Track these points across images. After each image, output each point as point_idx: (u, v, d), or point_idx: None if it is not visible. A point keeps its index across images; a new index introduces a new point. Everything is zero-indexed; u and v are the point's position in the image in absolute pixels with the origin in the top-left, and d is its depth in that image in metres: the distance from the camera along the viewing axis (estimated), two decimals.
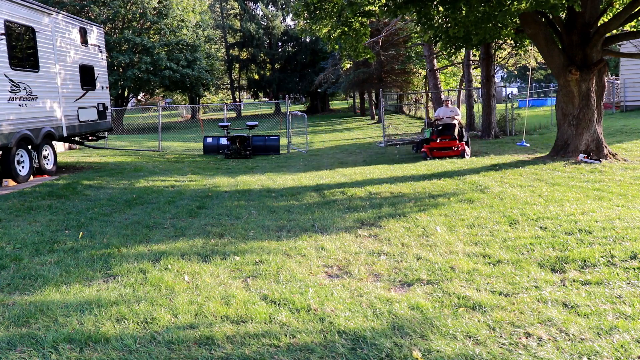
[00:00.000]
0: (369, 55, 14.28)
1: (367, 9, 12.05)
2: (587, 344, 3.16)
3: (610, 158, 10.26)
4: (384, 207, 7.20)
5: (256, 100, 57.26)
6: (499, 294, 3.99)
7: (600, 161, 9.95)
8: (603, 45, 10.55)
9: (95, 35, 14.01)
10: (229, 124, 17.38)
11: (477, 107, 20.24)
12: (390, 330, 3.44)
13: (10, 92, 9.80)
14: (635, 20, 11.18)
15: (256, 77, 52.74)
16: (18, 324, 3.64)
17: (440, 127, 13.16)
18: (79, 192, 9.11)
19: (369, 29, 14.08)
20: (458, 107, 25.18)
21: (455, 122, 13.09)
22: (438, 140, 12.99)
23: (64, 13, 12.51)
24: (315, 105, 52.69)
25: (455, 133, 12.85)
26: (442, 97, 22.95)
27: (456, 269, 4.58)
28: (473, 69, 21.44)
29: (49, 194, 8.72)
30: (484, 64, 17.29)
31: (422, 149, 13.24)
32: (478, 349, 3.16)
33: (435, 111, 22.84)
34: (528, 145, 13.94)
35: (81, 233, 6.19)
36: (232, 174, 12.07)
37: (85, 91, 13.03)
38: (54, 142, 11.91)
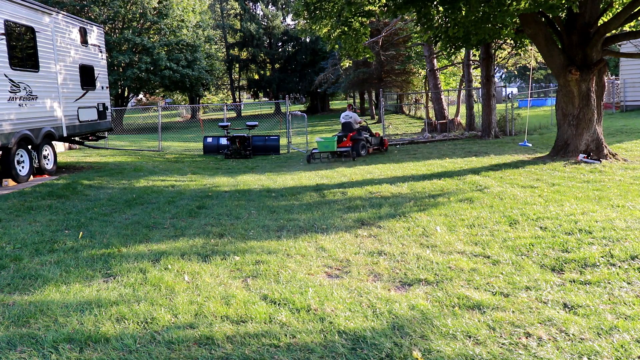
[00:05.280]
0: (368, 55, 14.28)
1: (367, 8, 12.05)
2: (587, 344, 3.16)
3: (610, 158, 10.26)
4: (384, 207, 7.20)
5: (256, 100, 57.25)
6: (499, 294, 3.99)
7: (600, 161, 9.95)
8: (603, 45, 10.55)
9: (95, 35, 14.01)
10: (229, 124, 17.36)
11: (477, 107, 20.24)
12: (390, 330, 3.44)
13: (10, 92, 9.80)
14: (635, 20, 11.19)
15: (256, 77, 52.76)
16: (18, 324, 3.64)
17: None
18: (79, 192, 9.11)
19: (369, 29, 14.08)
20: (458, 107, 25.30)
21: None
22: None
23: (64, 13, 12.51)
24: (315, 105, 52.67)
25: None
26: (443, 97, 22.99)
27: (456, 269, 4.58)
28: (473, 69, 21.43)
29: (49, 194, 8.72)
30: (484, 64, 17.29)
31: None
32: (478, 349, 3.16)
33: (435, 111, 22.93)
34: (530, 145, 13.79)
35: (81, 233, 6.19)
36: (232, 174, 12.07)
37: (85, 91, 13.03)
38: (54, 142, 11.91)
